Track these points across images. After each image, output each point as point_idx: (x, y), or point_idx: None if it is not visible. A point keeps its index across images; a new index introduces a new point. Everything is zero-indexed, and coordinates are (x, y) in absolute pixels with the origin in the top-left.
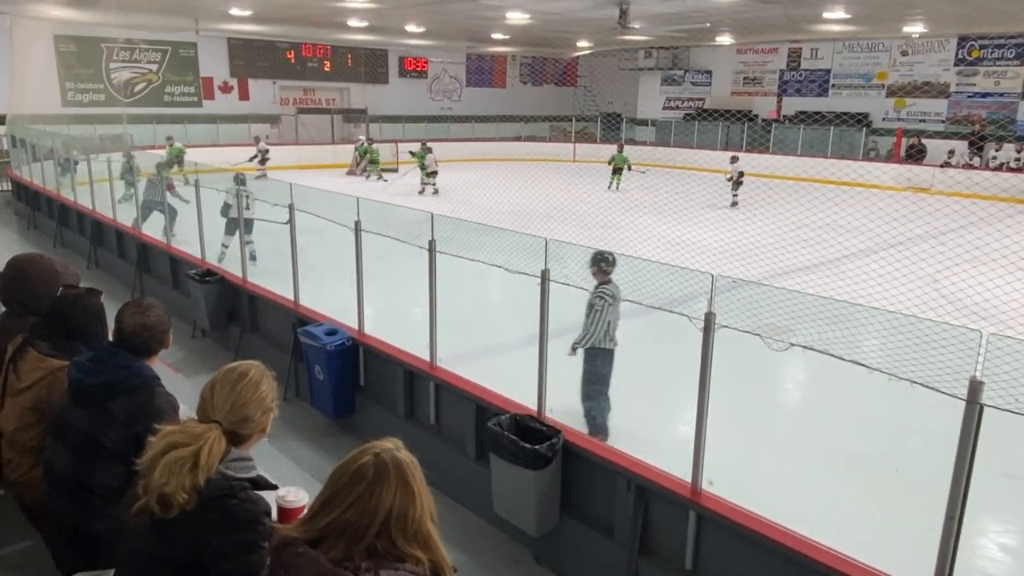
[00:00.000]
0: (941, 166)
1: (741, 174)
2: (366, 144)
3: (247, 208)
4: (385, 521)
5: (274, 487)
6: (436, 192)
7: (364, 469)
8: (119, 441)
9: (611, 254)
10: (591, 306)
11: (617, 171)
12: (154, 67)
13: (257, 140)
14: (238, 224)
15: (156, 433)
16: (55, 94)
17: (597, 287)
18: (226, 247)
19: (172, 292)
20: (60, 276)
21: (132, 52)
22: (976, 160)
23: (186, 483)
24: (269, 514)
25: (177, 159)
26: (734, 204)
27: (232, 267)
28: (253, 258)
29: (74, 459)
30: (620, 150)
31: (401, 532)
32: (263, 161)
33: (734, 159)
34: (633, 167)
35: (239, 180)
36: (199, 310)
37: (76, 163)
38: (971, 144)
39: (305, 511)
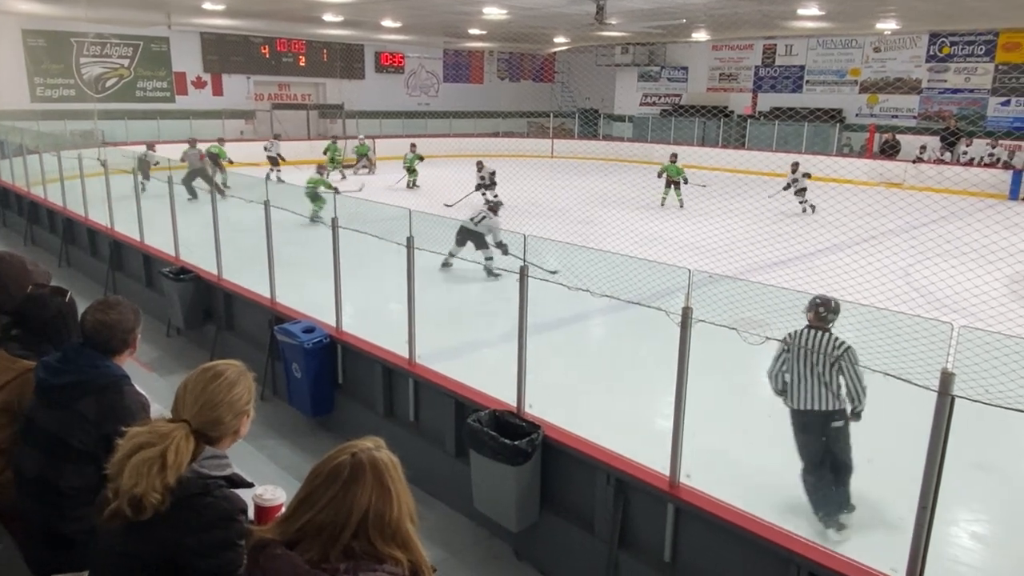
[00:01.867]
0: (913, 162)
1: (805, 176)
2: (362, 142)
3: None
4: (362, 522)
5: (250, 485)
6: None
7: (340, 469)
8: (88, 441)
9: (833, 300)
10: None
11: (672, 184)
12: (126, 62)
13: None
14: (477, 241)
15: (124, 434)
16: (23, 89)
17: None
18: (454, 255)
19: (146, 290)
20: (31, 274)
21: (103, 47)
22: (947, 156)
23: (156, 484)
24: (245, 512)
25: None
26: (811, 209)
27: (208, 264)
28: (492, 274)
29: (43, 460)
30: (673, 160)
31: (379, 533)
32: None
33: (796, 165)
34: (691, 180)
35: (491, 205)
36: (174, 308)
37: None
38: (942, 140)
39: (283, 510)
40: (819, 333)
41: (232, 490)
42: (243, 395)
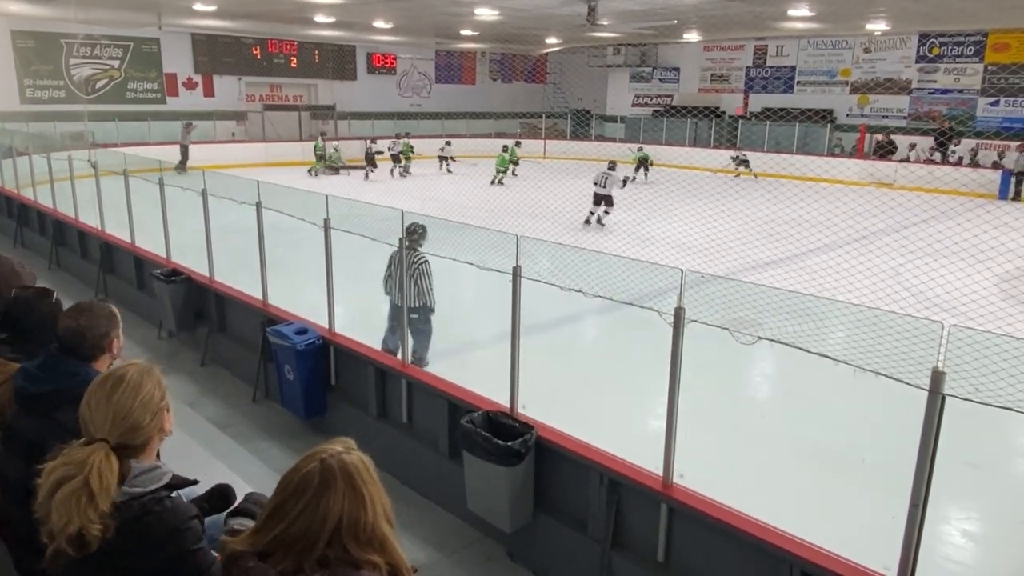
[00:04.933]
0: (901, 161)
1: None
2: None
3: (603, 187)
4: (335, 529)
5: (194, 482)
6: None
7: (309, 478)
8: None
9: (415, 224)
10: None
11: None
12: (116, 63)
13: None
14: (603, 199)
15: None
16: (12, 91)
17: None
18: (593, 214)
19: (137, 293)
20: (20, 276)
21: (93, 48)
22: (936, 156)
23: (90, 515)
24: (196, 515)
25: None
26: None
27: (200, 267)
28: (601, 223)
29: (24, 467)
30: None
31: (354, 539)
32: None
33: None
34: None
35: (611, 167)
36: (165, 311)
37: None
38: (936, 140)
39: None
40: (411, 252)
41: (174, 498)
42: (154, 391)
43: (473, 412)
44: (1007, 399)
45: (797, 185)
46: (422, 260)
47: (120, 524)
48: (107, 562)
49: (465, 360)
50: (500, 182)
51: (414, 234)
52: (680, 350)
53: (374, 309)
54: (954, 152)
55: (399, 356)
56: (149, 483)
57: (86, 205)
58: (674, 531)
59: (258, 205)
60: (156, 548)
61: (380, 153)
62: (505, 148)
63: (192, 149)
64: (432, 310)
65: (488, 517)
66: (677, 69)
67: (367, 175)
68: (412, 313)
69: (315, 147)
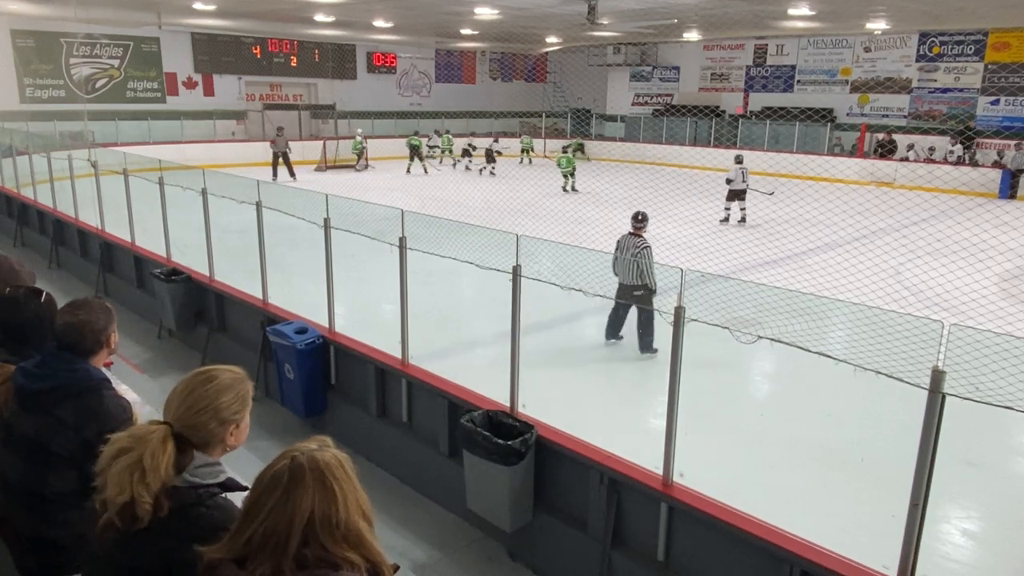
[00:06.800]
0: (901, 160)
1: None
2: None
3: (743, 182)
4: (308, 527)
5: (245, 488)
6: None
7: (279, 475)
8: (69, 447)
9: (641, 213)
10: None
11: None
12: (116, 62)
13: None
14: (737, 194)
15: (106, 440)
16: (12, 90)
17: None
18: (728, 209)
19: (136, 292)
20: (19, 275)
21: (93, 47)
22: (944, 155)
23: (141, 490)
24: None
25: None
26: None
27: (200, 266)
28: (743, 220)
29: (25, 467)
30: (564, 151)
31: (329, 536)
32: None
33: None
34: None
35: (738, 160)
36: (165, 310)
37: None
38: (959, 140)
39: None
40: (632, 236)
41: (226, 497)
42: (232, 404)
43: (473, 411)
44: (1007, 398)
45: (797, 184)
46: (644, 245)
47: (175, 508)
48: (151, 544)
49: (465, 359)
50: (573, 188)
51: (642, 221)
52: (680, 349)
53: (374, 308)
54: (952, 152)
55: (402, 352)
56: (207, 477)
57: (86, 204)
58: (674, 530)
59: (258, 204)
60: (200, 540)
61: (500, 152)
62: (565, 149)
63: (194, 149)
64: (653, 292)
65: (488, 516)
66: (677, 68)
67: (492, 171)
68: (635, 291)
69: (410, 142)
